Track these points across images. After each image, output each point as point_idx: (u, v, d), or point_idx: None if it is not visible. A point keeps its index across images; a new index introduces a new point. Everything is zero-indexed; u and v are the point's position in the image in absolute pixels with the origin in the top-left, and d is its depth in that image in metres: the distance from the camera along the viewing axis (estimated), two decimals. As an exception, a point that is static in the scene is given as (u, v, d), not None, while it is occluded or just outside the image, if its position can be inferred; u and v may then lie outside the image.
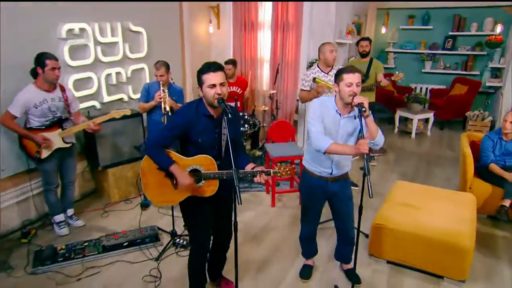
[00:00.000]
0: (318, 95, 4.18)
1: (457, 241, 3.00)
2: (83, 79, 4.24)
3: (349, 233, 3.01)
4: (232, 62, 5.42)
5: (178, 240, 3.54)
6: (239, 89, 5.43)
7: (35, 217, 3.94)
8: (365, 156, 2.37)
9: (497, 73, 7.38)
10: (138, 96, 4.39)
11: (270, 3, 5.87)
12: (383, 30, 8.41)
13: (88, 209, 4.28)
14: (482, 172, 4.10)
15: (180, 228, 3.67)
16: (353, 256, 2.90)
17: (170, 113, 3.53)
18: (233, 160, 2.19)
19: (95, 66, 4.36)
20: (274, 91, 5.78)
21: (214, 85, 2.28)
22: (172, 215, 3.57)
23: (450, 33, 7.85)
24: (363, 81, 5.27)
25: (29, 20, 3.64)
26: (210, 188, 2.49)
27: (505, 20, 7.09)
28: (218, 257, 2.94)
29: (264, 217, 4.16)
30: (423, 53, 8.14)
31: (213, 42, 6.47)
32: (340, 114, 2.64)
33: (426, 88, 8.24)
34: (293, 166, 2.45)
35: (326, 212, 3.07)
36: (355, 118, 2.57)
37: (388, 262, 3.35)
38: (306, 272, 3.19)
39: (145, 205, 4.26)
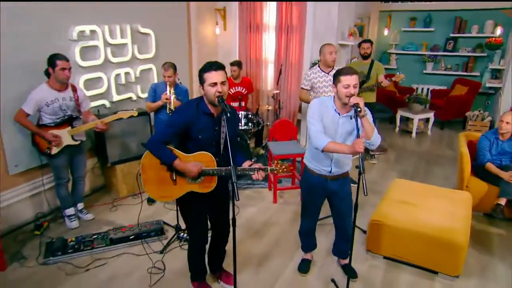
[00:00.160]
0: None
1: (452, 237, 3.00)
2: (93, 79, 4.28)
3: (347, 230, 3.02)
4: (237, 63, 5.43)
5: (182, 234, 3.57)
6: (244, 89, 5.44)
7: (47, 211, 4.00)
8: (360, 155, 2.37)
9: (497, 74, 7.31)
10: (146, 95, 4.42)
11: (275, 6, 5.87)
12: (386, 32, 8.36)
13: (97, 204, 4.32)
14: (479, 171, 4.08)
15: (184, 222, 3.70)
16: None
17: (173, 113, 3.56)
18: (231, 157, 2.20)
19: (105, 67, 4.40)
20: (277, 91, 5.79)
21: (215, 84, 2.30)
22: (177, 210, 3.59)
23: (451, 35, 7.78)
24: (364, 81, 5.29)
25: (43, 22, 3.69)
26: (209, 185, 2.51)
27: (505, 22, 7.00)
28: (217, 250, 2.96)
29: (265, 213, 4.17)
30: (425, 54, 8.06)
31: (219, 44, 6.49)
32: (339, 114, 2.65)
33: (428, 89, 8.17)
34: (289, 164, 2.47)
35: (325, 208, 3.08)
36: (351, 118, 2.58)
37: (385, 257, 3.35)
38: (304, 267, 3.21)
39: (151, 200, 4.30)
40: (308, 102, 4.21)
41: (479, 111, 6.70)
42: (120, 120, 3.81)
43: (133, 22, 4.65)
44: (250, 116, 5.11)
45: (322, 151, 2.63)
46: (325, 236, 3.65)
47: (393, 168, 5.51)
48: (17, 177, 3.73)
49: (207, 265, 2.96)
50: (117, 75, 4.56)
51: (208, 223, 2.80)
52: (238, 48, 6.32)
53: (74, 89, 3.59)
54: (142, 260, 3.30)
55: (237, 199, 2.07)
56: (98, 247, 3.42)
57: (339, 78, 2.57)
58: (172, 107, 3.77)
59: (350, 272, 3.09)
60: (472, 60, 7.68)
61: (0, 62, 3.39)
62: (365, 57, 5.33)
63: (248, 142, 4.99)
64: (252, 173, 2.45)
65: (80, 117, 3.65)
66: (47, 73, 3.40)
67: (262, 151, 5.51)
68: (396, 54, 8.46)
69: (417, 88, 8.21)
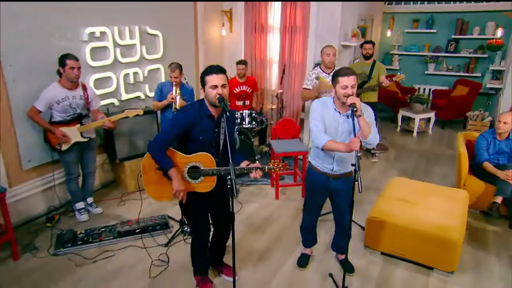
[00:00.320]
0: (319, 93, 4.19)
1: (447, 234, 2.98)
2: (103, 78, 4.32)
3: (346, 226, 3.01)
4: (245, 62, 5.45)
5: (186, 228, 3.59)
6: (249, 88, 5.45)
7: (59, 204, 4.04)
8: (355, 153, 2.37)
9: (497, 75, 7.22)
10: (153, 94, 4.45)
11: (279, 7, 5.87)
12: (389, 33, 8.30)
13: (106, 198, 4.37)
14: (476, 170, 4.05)
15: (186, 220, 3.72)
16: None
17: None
18: (230, 155, 2.20)
19: (114, 67, 4.44)
20: (281, 91, 5.79)
21: (216, 86, 2.32)
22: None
23: (453, 37, 7.69)
24: (366, 82, 5.27)
25: (55, 24, 3.73)
26: (208, 184, 2.52)
27: (506, 24, 6.93)
28: (218, 246, 2.98)
29: (267, 209, 4.18)
30: (427, 55, 7.99)
31: (225, 44, 6.49)
32: (339, 113, 2.64)
33: (429, 89, 8.10)
34: (285, 162, 2.48)
35: (327, 204, 3.08)
36: (348, 117, 2.57)
37: (382, 253, 3.34)
38: (303, 261, 3.21)
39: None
40: (312, 97, 4.23)
41: (480, 111, 6.64)
42: (128, 118, 3.84)
43: (142, 24, 4.68)
44: (254, 115, 5.12)
45: (322, 149, 2.64)
46: (325, 232, 3.65)
47: (393, 166, 5.48)
48: (30, 172, 3.78)
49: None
50: (126, 75, 4.59)
51: (210, 220, 2.81)
52: (243, 48, 6.33)
53: (84, 88, 3.62)
54: (148, 252, 3.31)
55: (235, 196, 2.08)
56: (106, 240, 3.45)
57: (337, 79, 2.57)
58: (177, 107, 3.79)
59: (347, 267, 3.10)
60: (474, 61, 7.60)
61: (15, 62, 3.45)
62: (367, 57, 5.32)
63: (252, 140, 5.00)
64: (250, 172, 2.46)
65: (89, 115, 3.68)
66: (59, 73, 3.44)
67: (265, 149, 5.52)
68: (399, 55, 8.39)
69: (419, 89, 8.15)
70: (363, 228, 3.64)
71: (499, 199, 3.71)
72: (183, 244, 3.44)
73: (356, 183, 2.31)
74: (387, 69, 7.39)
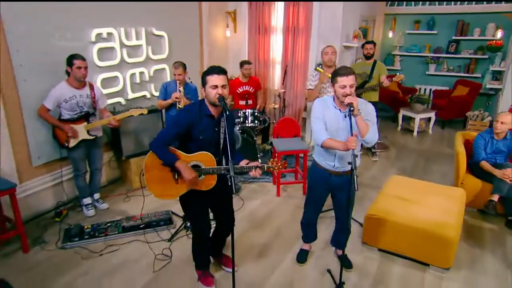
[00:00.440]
0: (321, 84, 4.19)
1: (443, 232, 2.98)
2: (110, 78, 4.35)
3: (346, 223, 3.01)
4: (250, 62, 5.48)
5: (189, 223, 3.60)
6: (252, 88, 5.46)
7: (67, 200, 4.08)
8: (352, 152, 2.37)
9: (497, 75, 7.16)
10: (158, 93, 4.46)
11: (282, 9, 5.86)
12: (390, 34, 8.25)
13: (113, 194, 4.40)
14: (474, 168, 4.03)
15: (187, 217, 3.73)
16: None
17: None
18: (230, 154, 2.21)
19: (121, 66, 4.46)
20: (283, 90, 5.80)
21: (216, 86, 2.33)
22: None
23: (454, 38, 7.63)
24: (366, 82, 5.25)
25: (64, 25, 3.76)
26: (209, 183, 2.53)
27: (506, 26, 6.87)
28: (219, 240, 3.02)
29: (269, 206, 4.19)
30: (428, 56, 7.94)
31: (229, 45, 6.50)
32: (340, 110, 2.64)
33: (430, 89, 8.04)
34: (284, 161, 2.49)
35: (327, 201, 3.07)
36: (345, 117, 2.57)
37: (380, 250, 3.34)
38: (302, 257, 3.22)
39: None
40: (316, 96, 4.25)
41: (480, 111, 6.58)
42: (134, 117, 3.84)
43: (147, 25, 4.70)
44: (256, 114, 5.13)
45: (322, 147, 2.66)
46: (324, 228, 3.65)
47: (393, 165, 5.46)
48: (40, 168, 3.83)
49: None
50: (132, 75, 4.62)
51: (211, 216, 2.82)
52: (247, 49, 6.33)
53: (92, 87, 3.65)
54: (151, 247, 3.35)
55: (233, 192, 2.09)
56: (111, 234, 3.49)
57: (336, 78, 2.57)
58: (181, 106, 3.80)
59: (345, 263, 3.11)
60: (474, 62, 7.53)
61: (25, 62, 3.49)
62: (368, 57, 5.30)
63: (255, 139, 5.00)
64: (249, 170, 2.47)
65: (96, 113, 3.71)
66: (68, 72, 3.48)
67: (268, 147, 5.53)
68: (400, 55, 8.34)
69: (420, 89, 8.09)
70: (361, 225, 3.65)
71: (495, 197, 3.69)
72: (186, 239, 3.46)
73: (353, 180, 2.31)
74: (388, 69, 7.35)
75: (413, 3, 7.87)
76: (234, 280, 2.50)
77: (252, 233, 3.63)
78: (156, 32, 4.82)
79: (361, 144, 2.80)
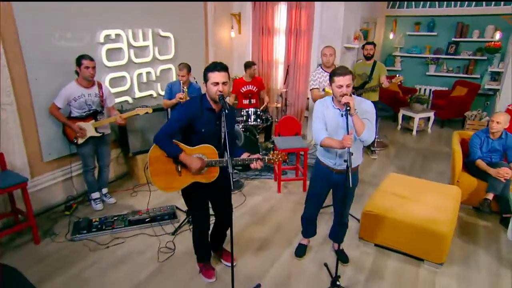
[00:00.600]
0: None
1: (437, 228, 2.97)
2: (118, 78, 4.39)
3: (344, 218, 3.02)
4: (255, 63, 5.49)
5: (191, 218, 3.63)
6: (255, 87, 5.46)
7: (76, 194, 4.14)
8: (348, 150, 2.37)
9: (496, 76, 7.09)
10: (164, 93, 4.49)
11: (285, 11, 5.86)
12: (391, 36, 8.20)
13: (120, 189, 4.44)
14: (470, 167, 4.00)
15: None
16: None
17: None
18: (228, 149, 2.21)
19: (128, 67, 4.49)
20: (284, 90, 5.80)
21: (217, 83, 2.33)
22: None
23: (453, 39, 7.56)
24: (367, 82, 5.23)
25: (74, 27, 3.80)
26: (211, 175, 2.54)
27: (504, 27, 6.80)
28: (219, 234, 3.03)
29: (269, 201, 4.20)
30: (428, 57, 7.88)
31: (234, 46, 6.51)
32: (339, 110, 2.64)
33: (430, 90, 7.99)
34: (284, 153, 2.49)
35: (327, 198, 3.08)
36: (342, 116, 2.56)
37: (376, 245, 3.34)
38: (300, 251, 3.23)
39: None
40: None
41: (478, 111, 6.53)
42: (140, 115, 3.87)
43: (154, 27, 4.72)
44: (259, 113, 5.14)
45: (321, 146, 2.67)
46: (323, 224, 3.64)
47: (392, 163, 5.44)
48: (50, 164, 3.87)
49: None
50: (139, 74, 4.65)
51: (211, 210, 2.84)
52: (251, 50, 6.34)
53: (100, 87, 3.69)
54: (155, 240, 3.39)
55: (232, 188, 2.11)
56: (117, 228, 3.52)
57: (333, 78, 2.57)
58: None
59: (342, 257, 3.12)
60: (473, 63, 7.46)
61: (37, 62, 3.53)
62: (368, 58, 5.29)
63: (257, 137, 5.02)
64: (251, 163, 2.47)
65: (103, 111, 3.75)
66: (77, 72, 3.51)
67: (270, 145, 5.53)
68: (401, 56, 8.29)
69: (420, 89, 8.04)
70: (359, 221, 3.65)
71: (490, 196, 3.68)
72: (189, 233, 3.48)
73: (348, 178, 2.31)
74: (389, 70, 7.32)
75: (413, 5, 7.81)
76: (233, 274, 2.51)
77: (253, 228, 3.65)
78: (163, 34, 4.84)
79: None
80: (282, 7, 5.94)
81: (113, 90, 4.19)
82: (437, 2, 7.52)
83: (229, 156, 2.19)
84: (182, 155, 2.42)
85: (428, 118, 7.02)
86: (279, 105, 5.80)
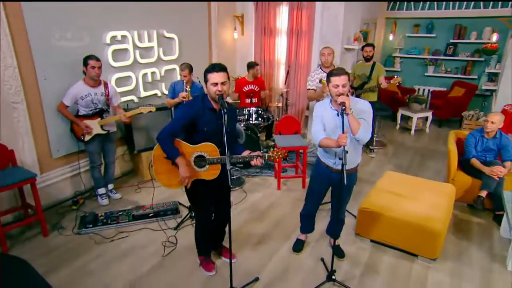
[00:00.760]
0: (323, 94, 4.19)
1: (431, 224, 2.98)
2: (123, 77, 4.42)
3: (340, 214, 3.04)
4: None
5: (194, 214, 3.66)
6: (256, 87, 5.48)
7: (85, 189, 4.18)
8: (343, 149, 2.38)
9: (493, 77, 7.04)
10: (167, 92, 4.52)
11: (287, 12, 5.86)
12: (391, 37, 8.15)
13: (125, 185, 4.47)
14: (465, 165, 4.00)
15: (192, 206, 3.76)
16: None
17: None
18: (226, 147, 2.23)
19: (134, 67, 4.52)
20: (285, 90, 5.81)
21: (216, 84, 2.35)
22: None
23: (452, 41, 7.50)
24: (366, 82, 5.23)
25: (82, 29, 3.84)
26: (213, 172, 2.56)
27: (501, 29, 6.75)
28: (219, 231, 3.04)
29: (269, 198, 4.21)
30: (427, 58, 7.83)
31: (237, 47, 6.52)
32: (336, 110, 2.64)
33: (428, 90, 7.94)
34: (284, 150, 2.50)
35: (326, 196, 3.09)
36: (337, 115, 2.57)
37: (372, 241, 3.35)
38: (298, 246, 3.24)
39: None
40: (317, 98, 4.25)
41: (475, 111, 6.50)
42: (145, 114, 3.91)
43: (159, 28, 4.75)
44: (260, 111, 5.15)
45: (319, 146, 2.69)
46: (320, 220, 3.63)
47: (390, 162, 5.44)
48: (59, 160, 3.92)
49: None
50: (144, 74, 4.68)
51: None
52: (253, 50, 6.35)
53: (106, 86, 3.72)
54: (158, 234, 3.42)
55: (229, 184, 2.12)
56: (122, 222, 3.56)
57: (330, 78, 2.58)
58: None
59: (338, 253, 3.13)
60: (471, 64, 7.40)
61: (46, 62, 3.57)
62: (367, 59, 5.27)
63: (259, 135, 5.03)
64: (251, 160, 2.48)
65: (109, 110, 3.78)
66: (84, 72, 3.55)
67: (271, 144, 5.55)
68: (400, 57, 8.24)
69: (418, 89, 8.01)
70: (355, 218, 3.65)
71: (484, 193, 3.66)
72: (191, 228, 3.50)
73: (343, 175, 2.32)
74: (389, 71, 7.29)
75: (413, 7, 7.77)
76: (231, 268, 2.54)
77: (252, 224, 3.67)
78: (167, 35, 4.86)
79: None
80: (284, 8, 5.94)
81: (119, 90, 4.22)
82: (435, 4, 7.47)
83: (227, 155, 2.21)
84: (179, 159, 2.43)
85: (426, 118, 6.99)
86: (280, 105, 5.81)
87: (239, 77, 5.77)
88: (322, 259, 3.09)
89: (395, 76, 4.91)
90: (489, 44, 6.80)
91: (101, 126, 3.70)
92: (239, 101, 5.58)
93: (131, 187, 4.42)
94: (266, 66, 6.34)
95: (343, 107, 2.42)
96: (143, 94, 4.68)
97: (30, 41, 3.43)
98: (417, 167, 5.21)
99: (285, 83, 5.93)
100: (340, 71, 2.56)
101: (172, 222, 3.62)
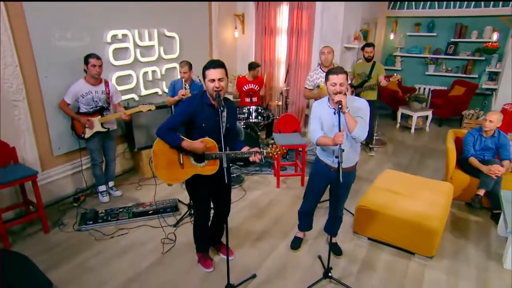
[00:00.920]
0: (320, 97, 4.19)
1: (428, 223, 2.98)
2: (124, 76, 4.43)
3: (338, 212, 3.04)
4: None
5: (193, 211, 3.67)
6: (256, 86, 5.49)
7: (86, 186, 4.20)
8: (339, 147, 2.39)
9: (493, 76, 7.01)
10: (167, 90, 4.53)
11: (287, 11, 5.86)
12: (392, 36, 8.14)
13: (126, 183, 4.49)
14: (463, 164, 3.99)
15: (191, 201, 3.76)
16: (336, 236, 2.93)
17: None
18: (223, 143, 2.23)
19: (135, 65, 4.54)
20: (285, 88, 5.81)
21: (213, 80, 2.36)
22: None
23: (452, 40, 7.48)
24: (366, 81, 5.22)
25: (83, 28, 3.86)
26: (212, 167, 2.56)
27: (502, 28, 6.72)
28: (217, 227, 3.05)
29: (269, 196, 4.22)
30: (427, 57, 7.81)
31: (238, 46, 6.52)
32: (334, 109, 2.65)
33: (429, 89, 7.92)
34: (283, 147, 2.50)
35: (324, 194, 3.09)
36: (334, 114, 2.58)
37: (369, 239, 3.36)
38: (295, 244, 3.25)
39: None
40: (314, 98, 4.26)
41: (475, 110, 6.48)
42: (146, 112, 3.92)
43: (160, 27, 4.76)
44: (260, 110, 5.16)
45: (317, 145, 2.71)
46: (318, 218, 3.64)
47: (389, 160, 5.43)
48: (60, 158, 3.95)
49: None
50: (145, 73, 4.69)
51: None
52: (254, 49, 6.35)
53: (107, 84, 3.74)
54: (158, 231, 3.44)
55: (226, 181, 2.14)
56: (122, 219, 3.58)
57: (328, 77, 2.59)
58: None
59: (336, 250, 3.15)
60: (471, 63, 7.38)
61: (47, 60, 3.59)
62: (368, 59, 5.27)
63: (259, 133, 5.04)
64: (250, 155, 2.49)
65: (110, 108, 3.80)
66: (85, 70, 3.57)
67: (271, 142, 5.55)
68: (401, 56, 8.23)
69: (419, 88, 7.99)
70: (353, 215, 3.65)
71: (481, 192, 3.66)
72: (190, 225, 3.52)
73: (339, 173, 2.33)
74: (390, 70, 7.28)
75: (414, 6, 7.74)
76: (228, 264, 2.55)
77: (251, 221, 3.68)
78: (168, 34, 4.88)
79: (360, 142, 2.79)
80: (284, 8, 5.94)
81: (120, 88, 4.24)
82: (436, 3, 7.45)
83: (224, 151, 2.22)
84: (184, 143, 2.44)
85: (427, 117, 6.98)
86: (280, 103, 5.82)
87: (240, 76, 5.78)
88: (320, 257, 3.10)
89: (395, 74, 4.90)
90: (490, 43, 6.78)
91: (102, 124, 3.72)
92: (239, 99, 5.59)
93: (132, 185, 4.44)
94: (267, 65, 6.33)
95: (340, 106, 2.43)
96: (143, 92, 4.70)
97: (32, 40, 3.45)
98: (416, 166, 5.21)
99: (285, 82, 5.93)
100: (338, 70, 2.57)
101: (172, 219, 3.64)
